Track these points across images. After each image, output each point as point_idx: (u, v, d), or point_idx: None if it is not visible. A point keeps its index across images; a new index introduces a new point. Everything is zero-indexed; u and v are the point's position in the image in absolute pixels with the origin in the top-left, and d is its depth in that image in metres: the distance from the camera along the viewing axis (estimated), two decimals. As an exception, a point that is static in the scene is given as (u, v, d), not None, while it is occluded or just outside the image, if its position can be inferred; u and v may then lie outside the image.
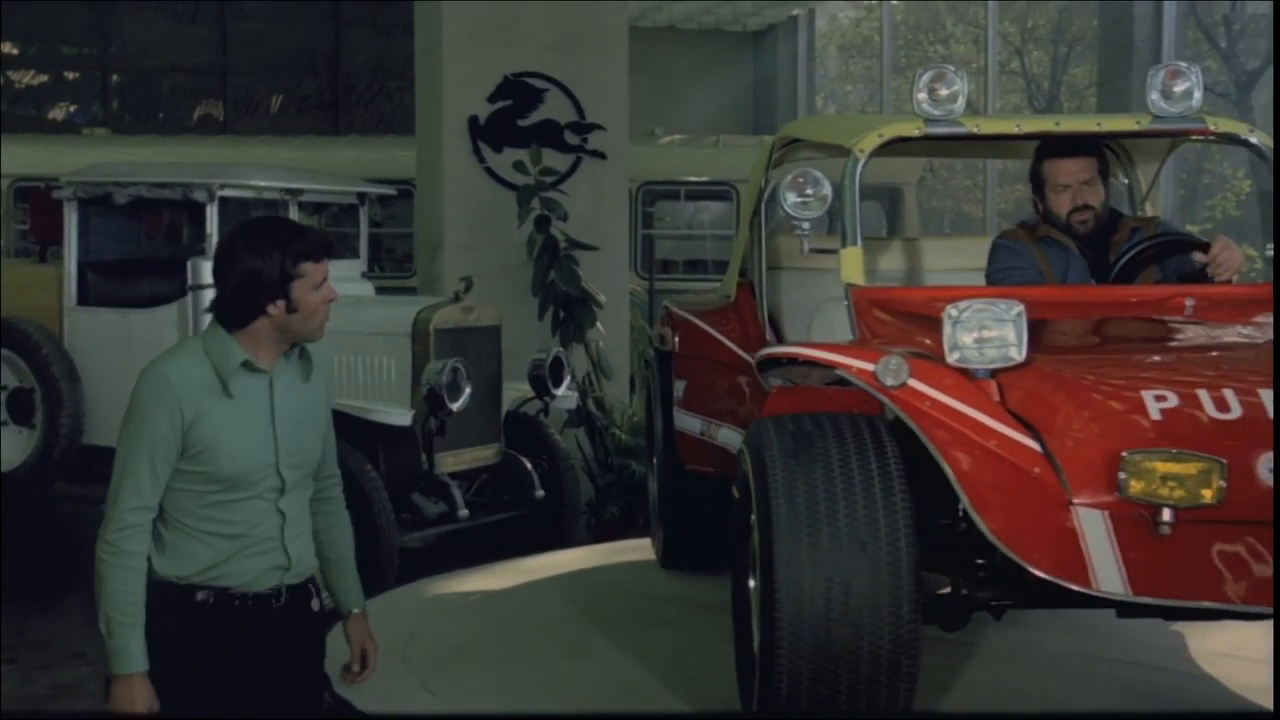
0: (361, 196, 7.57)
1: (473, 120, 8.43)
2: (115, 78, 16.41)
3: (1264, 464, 3.32)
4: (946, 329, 3.60)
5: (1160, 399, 3.45)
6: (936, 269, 5.26)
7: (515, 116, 8.49)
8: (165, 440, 2.91)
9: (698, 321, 5.39)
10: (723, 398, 5.13)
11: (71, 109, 16.82)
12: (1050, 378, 3.64)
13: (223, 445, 2.92)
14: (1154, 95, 4.30)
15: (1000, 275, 4.60)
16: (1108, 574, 3.24)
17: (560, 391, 6.79)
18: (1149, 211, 5.15)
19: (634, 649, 4.67)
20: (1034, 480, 3.42)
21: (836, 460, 3.48)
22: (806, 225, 4.26)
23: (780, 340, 4.86)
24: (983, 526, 3.29)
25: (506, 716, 3.93)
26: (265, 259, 2.95)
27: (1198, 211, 13.61)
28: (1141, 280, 4.52)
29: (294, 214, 7.16)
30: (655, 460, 6.01)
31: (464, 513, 6.05)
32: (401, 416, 5.93)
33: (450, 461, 6.13)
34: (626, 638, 4.81)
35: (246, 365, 2.98)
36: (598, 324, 8.11)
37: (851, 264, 4.29)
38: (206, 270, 5.96)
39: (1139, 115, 4.42)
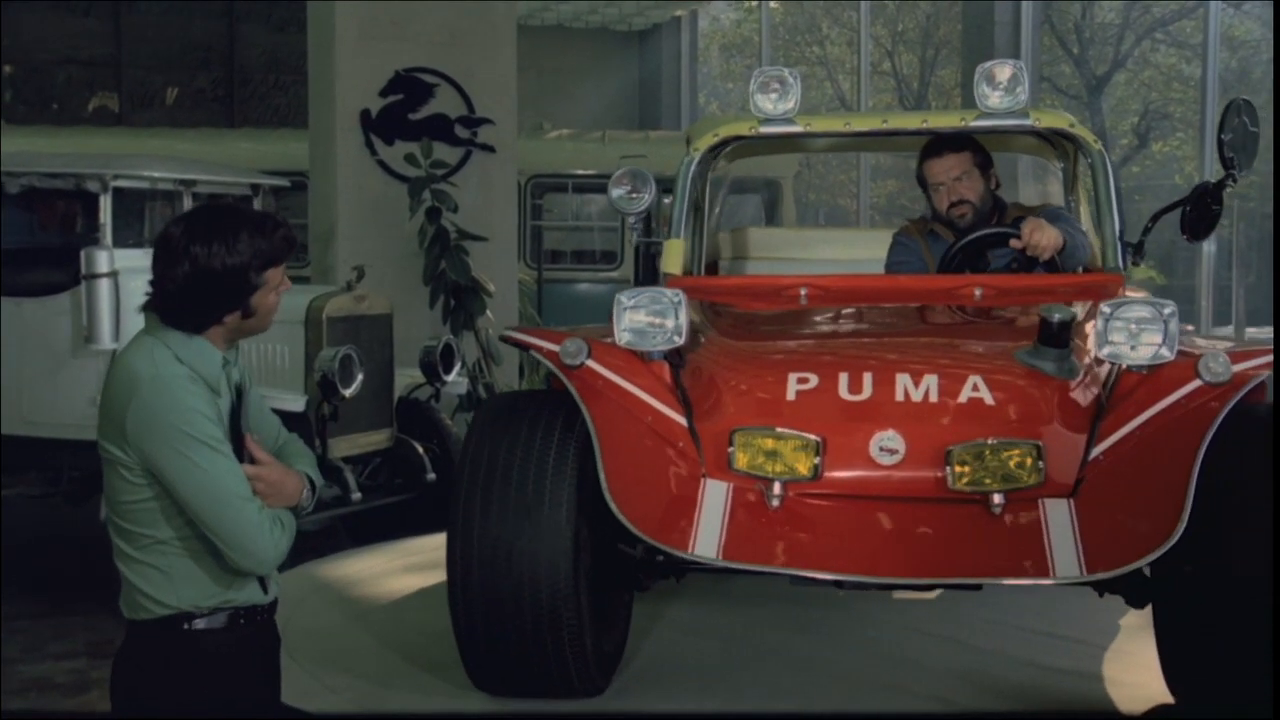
0: (255, 188, 7.63)
1: (365, 114, 8.50)
2: (8, 69, 16.13)
3: (877, 443, 3.54)
4: (615, 314, 3.86)
5: (803, 381, 3.70)
6: (809, 259, 5.47)
7: (406, 110, 8.58)
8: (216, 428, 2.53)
9: None
10: None
11: (-35, 100, 16.51)
12: (718, 361, 3.89)
13: (227, 449, 2.58)
14: (982, 92, 4.45)
15: (893, 268, 4.87)
16: (707, 541, 3.45)
17: (451, 378, 6.85)
18: (1079, 195, 5.24)
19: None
20: (676, 453, 3.68)
21: (524, 433, 3.76)
22: (632, 219, 4.51)
23: None
24: (606, 493, 3.52)
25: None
26: (223, 266, 2.54)
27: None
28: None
29: (188, 205, 7.19)
30: None
31: (357, 496, 6.09)
32: (295, 402, 5.98)
33: (344, 446, 6.19)
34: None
35: (225, 364, 2.66)
36: (487, 312, 8.24)
37: (672, 255, 4.60)
38: (100, 260, 6.01)
39: (965, 112, 4.62)
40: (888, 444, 3.55)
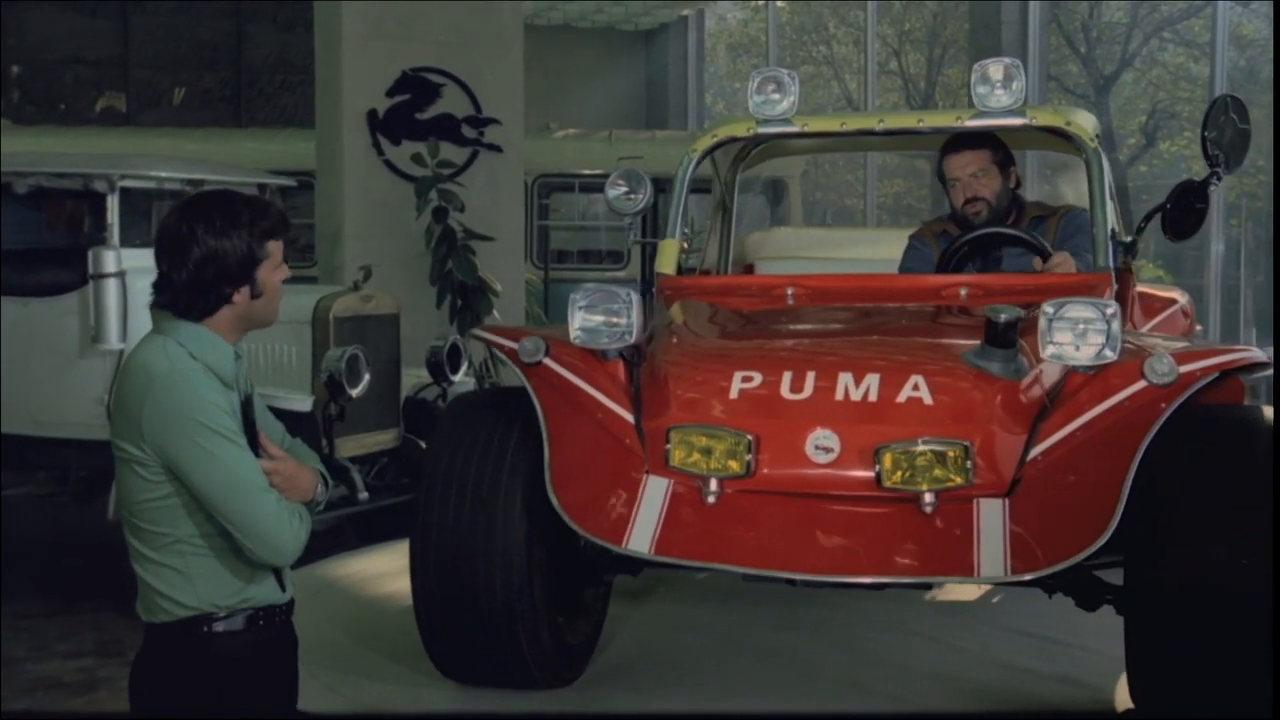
0: (262, 187, 7.63)
1: (371, 114, 8.51)
2: (15, 69, 16.15)
3: (812, 441, 3.54)
4: (570, 312, 3.90)
5: (747, 379, 3.71)
6: (833, 258, 5.51)
7: (413, 110, 8.59)
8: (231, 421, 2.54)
9: None
10: None
11: (-28, 100, 16.52)
12: (672, 359, 3.92)
13: (243, 441, 2.59)
14: (977, 90, 4.42)
15: (904, 269, 4.89)
16: (641, 536, 3.49)
17: (458, 378, 6.82)
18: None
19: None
20: (622, 450, 3.71)
21: (484, 431, 3.84)
22: (628, 219, 4.54)
23: None
24: (549, 486, 3.59)
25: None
26: (229, 240, 2.57)
27: (1056, 201, 14.24)
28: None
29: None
30: None
31: (364, 495, 6.08)
32: (302, 402, 5.99)
33: (350, 446, 6.19)
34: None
35: (236, 357, 2.65)
36: (494, 312, 8.22)
37: (666, 254, 4.64)
38: (107, 259, 6.02)
39: (961, 110, 4.59)
40: (823, 442, 3.55)
